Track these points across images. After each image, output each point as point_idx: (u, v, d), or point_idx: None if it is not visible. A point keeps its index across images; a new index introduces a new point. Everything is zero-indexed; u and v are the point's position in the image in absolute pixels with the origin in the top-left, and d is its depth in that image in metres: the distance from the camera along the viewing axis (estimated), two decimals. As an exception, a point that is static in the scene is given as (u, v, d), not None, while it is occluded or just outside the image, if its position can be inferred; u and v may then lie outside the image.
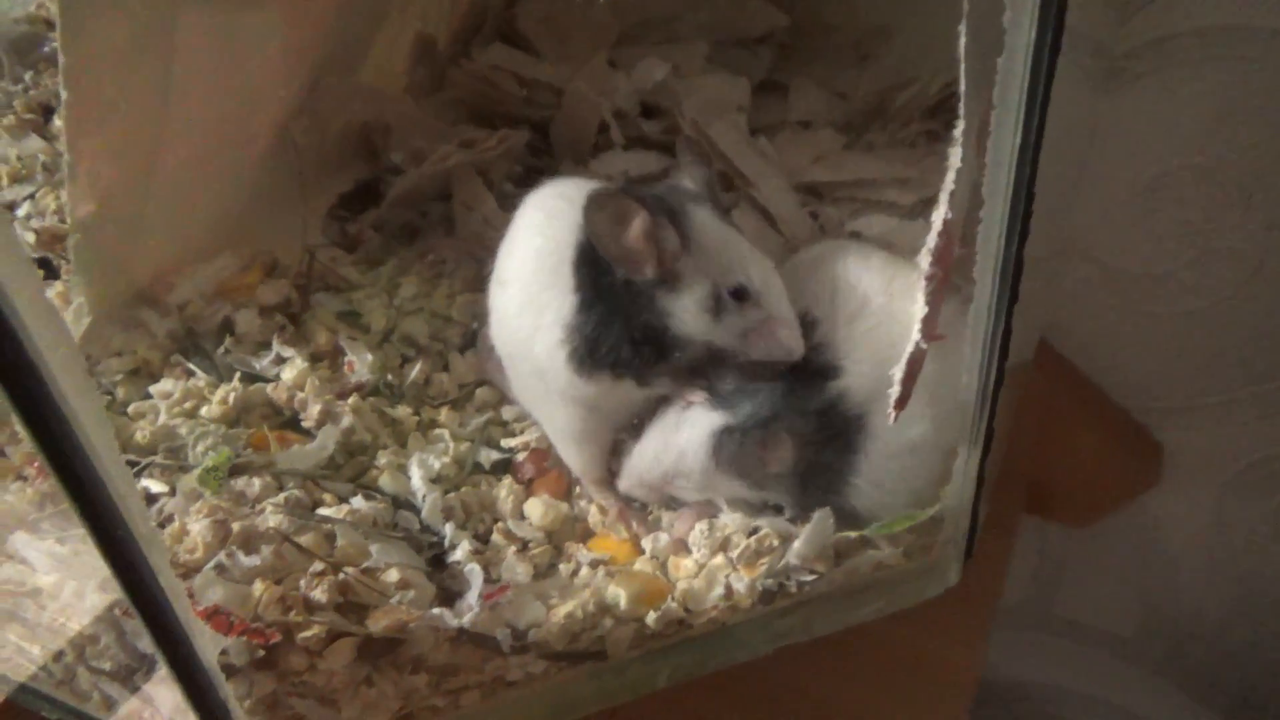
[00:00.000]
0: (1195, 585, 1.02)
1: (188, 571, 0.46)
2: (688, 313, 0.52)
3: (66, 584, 0.47)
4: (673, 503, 0.57)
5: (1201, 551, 1.00)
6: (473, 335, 0.67)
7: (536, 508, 0.56)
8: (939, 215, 0.45)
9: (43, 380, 0.32)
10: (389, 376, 0.63)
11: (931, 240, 0.46)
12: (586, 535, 0.57)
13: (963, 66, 0.41)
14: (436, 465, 0.57)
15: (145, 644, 0.45)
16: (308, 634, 0.45)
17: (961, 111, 0.42)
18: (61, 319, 0.33)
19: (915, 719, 0.62)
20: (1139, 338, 0.88)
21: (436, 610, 0.47)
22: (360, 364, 0.62)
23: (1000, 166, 0.42)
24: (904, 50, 0.88)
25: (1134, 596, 1.06)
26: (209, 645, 0.42)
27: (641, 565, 0.53)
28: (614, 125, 0.76)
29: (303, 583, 0.47)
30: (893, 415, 0.49)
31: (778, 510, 0.55)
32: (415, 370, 0.63)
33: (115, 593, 0.46)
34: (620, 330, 0.52)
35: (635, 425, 0.57)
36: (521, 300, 0.54)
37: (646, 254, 0.50)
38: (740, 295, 0.51)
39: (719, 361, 0.53)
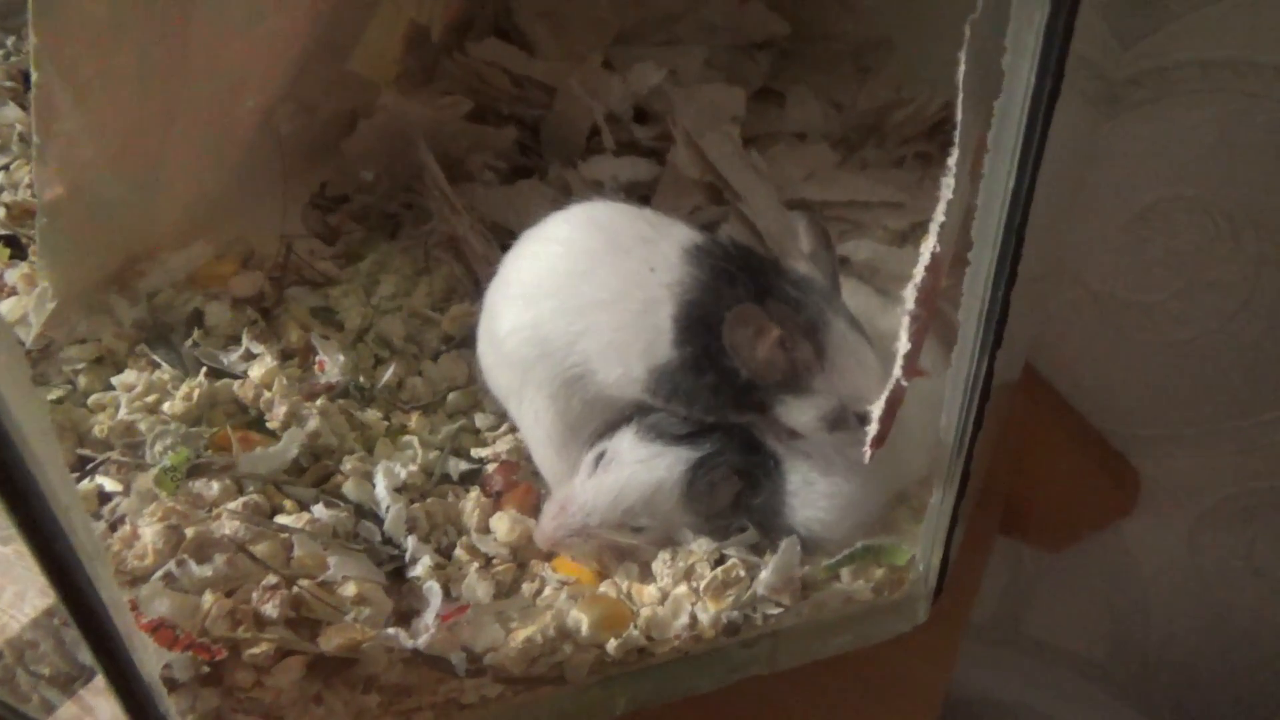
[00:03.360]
0: (1166, 613, 1.02)
1: (136, 579, 0.45)
2: (804, 416, 0.52)
3: (7, 587, 0.46)
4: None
5: (1173, 581, 1.00)
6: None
7: (503, 523, 0.55)
8: (927, 248, 0.44)
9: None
10: (360, 378, 0.61)
11: (918, 275, 0.45)
12: (552, 553, 0.55)
13: (960, 95, 0.40)
14: (403, 474, 0.55)
15: (85, 654, 0.44)
16: (256, 651, 0.44)
17: (957, 140, 0.41)
18: (3, 322, 0.31)
19: (882, 734, 0.62)
20: (1124, 364, 0.87)
21: (391, 630, 0.46)
22: (331, 364, 0.60)
23: (991, 211, 0.41)
24: (905, 63, 0.87)
25: (1104, 620, 1.06)
26: (151, 659, 0.41)
27: (606, 588, 0.52)
28: (605, 129, 0.74)
29: (254, 596, 0.45)
30: (868, 454, 0.48)
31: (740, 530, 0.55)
32: (388, 373, 0.61)
33: (54, 600, 0.45)
34: (720, 396, 0.52)
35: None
36: (569, 319, 0.53)
37: (779, 366, 0.51)
38: (865, 420, 0.50)
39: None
